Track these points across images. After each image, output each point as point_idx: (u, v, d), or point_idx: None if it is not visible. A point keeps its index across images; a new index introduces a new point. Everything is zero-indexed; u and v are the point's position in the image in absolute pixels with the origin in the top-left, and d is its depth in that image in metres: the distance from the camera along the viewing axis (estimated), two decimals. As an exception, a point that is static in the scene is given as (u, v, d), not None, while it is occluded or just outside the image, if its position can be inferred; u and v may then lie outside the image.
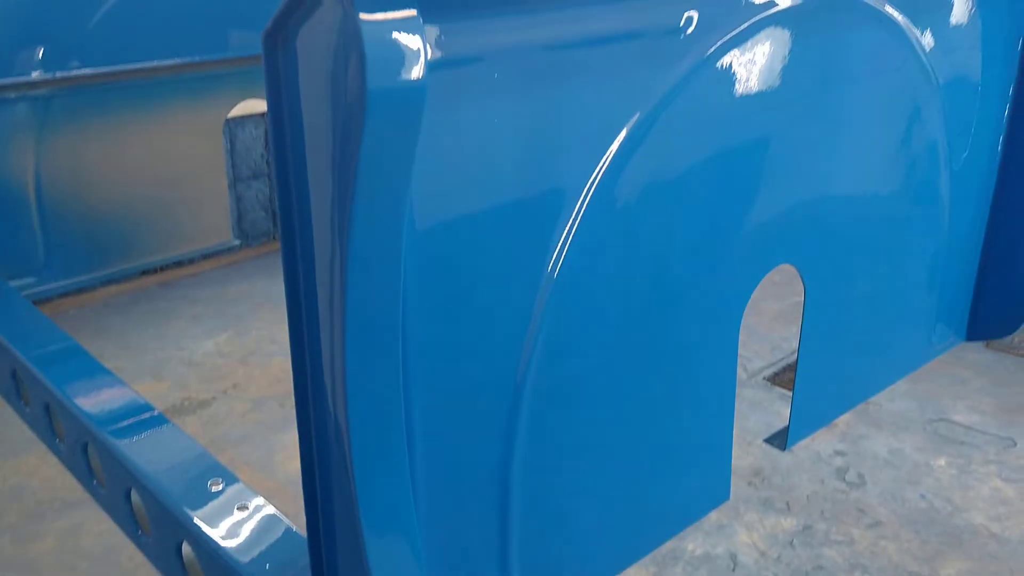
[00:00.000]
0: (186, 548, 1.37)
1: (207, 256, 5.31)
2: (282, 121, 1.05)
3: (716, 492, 1.59)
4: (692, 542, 3.42)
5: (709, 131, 1.37)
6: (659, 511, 1.54)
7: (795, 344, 4.99)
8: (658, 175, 1.30)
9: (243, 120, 5.39)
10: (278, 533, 1.31)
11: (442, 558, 1.10)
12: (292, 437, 4.01)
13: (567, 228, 1.21)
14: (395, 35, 0.90)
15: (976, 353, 4.75)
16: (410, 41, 0.91)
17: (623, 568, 1.49)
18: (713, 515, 3.56)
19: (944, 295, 2.04)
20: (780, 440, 1.80)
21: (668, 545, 3.39)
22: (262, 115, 5.47)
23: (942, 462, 3.90)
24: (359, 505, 0.98)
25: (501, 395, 1.19)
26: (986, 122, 1.77)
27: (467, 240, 1.12)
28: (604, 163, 1.22)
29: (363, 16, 0.88)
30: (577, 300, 1.26)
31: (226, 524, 1.33)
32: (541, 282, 1.20)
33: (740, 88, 1.33)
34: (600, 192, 1.22)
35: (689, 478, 1.58)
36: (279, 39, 1.03)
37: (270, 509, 1.39)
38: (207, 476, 1.43)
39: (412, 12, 0.91)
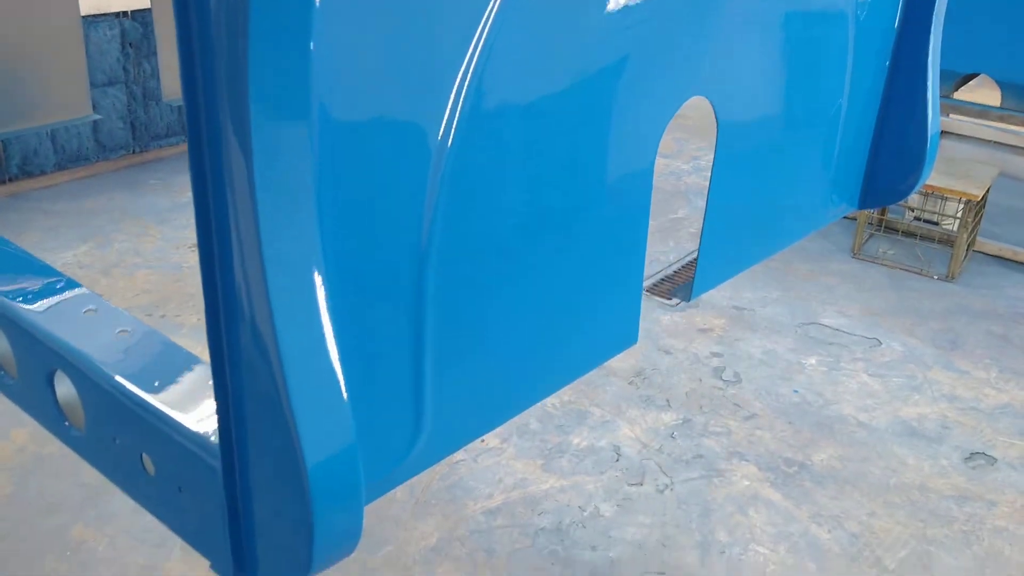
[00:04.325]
0: (61, 386, 1.23)
1: (63, 166, 4.95)
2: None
3: (625, 335, 1.55)
4: (577, 436, 3.44)
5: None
6: (570, 350, 1.49)
7: (671, 258, 5.04)
8: (553, 14, 1.22)
9: (96, 20, 5.00)
10: (172, 358, 1.18)
11: (358, 398, 1.02)
12: (162, 345, 3.79)
13: (455, 89, 1.12)
14: None
15: (842, 263, 4.95)
16: None
17: (534, 401, 1.45)
18: (596, 411, 3.60)
19: (841, 160, 2.06)
20: (685, 292, 1.78)
21: (553, 440, 3.40)
22: (117, 15, 5.09)
23: (813, 361, 4.05)
24: (277, 334, 0.88)
25: (411, 248, 1.11)
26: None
27: (361, 113, 1.03)
28: (489, 15, 1.12)
29: None
30: (475, 159, 1.18)
31: (105, 347, 1.20)
32: (432, 154, 1.11)
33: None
34: (488, 46, 1.13)
35: (600, 321, 1.54)
36: None
37: (155, 332, 1.25)
38: (80, 304, 1.29)
39: None
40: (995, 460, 3.43)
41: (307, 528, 0.94)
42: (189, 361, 1.17)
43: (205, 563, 3.03)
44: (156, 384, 1.11)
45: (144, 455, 1.12)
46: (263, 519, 1.01)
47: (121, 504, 3.04)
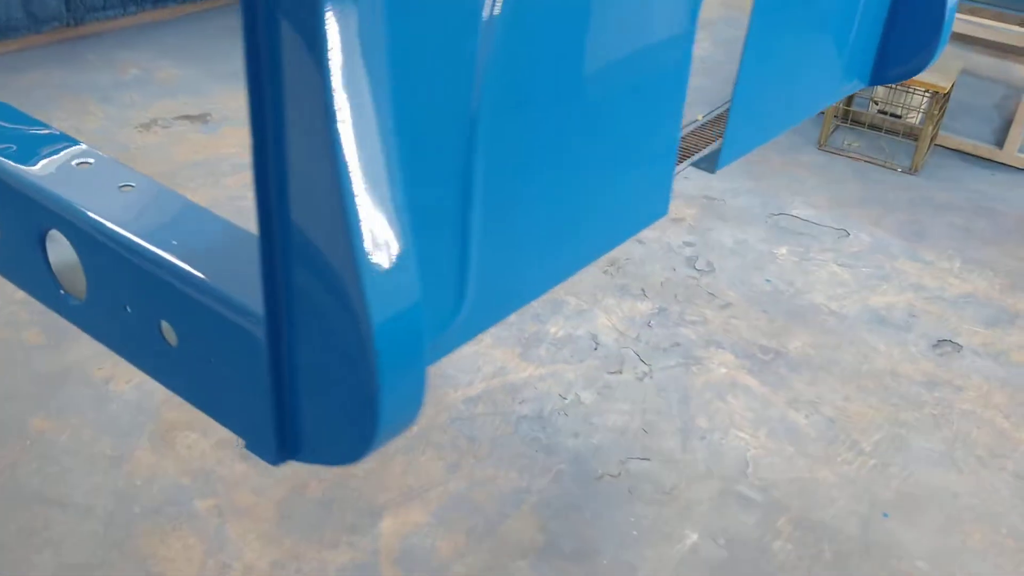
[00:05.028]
0: (55, 249, 1.08)
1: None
2: None
3: (657, 206, 1.47)
4: (554, 326, 3.38)
5: None
6: (605, 220, 1.41)
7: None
8: None
9: None
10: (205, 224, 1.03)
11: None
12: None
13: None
14: None
15: (810, 155, 4.90)
16: None
17: (570, 273, 1.37)
18: (572, 300, 3.53)
19: (859, 31, 1.96)
20: (709, 163, 1.69)
21: (531, 328, 3.34)
22: None
23: (784, 251, 4.03)
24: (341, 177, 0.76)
25: (461, 110, 1.00)
26: None
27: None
28: None
29: None
30: (518, 35, 1.07)
31: (110, 202, 1.05)
32: (479, 29, 1.00)
33: None
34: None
35: (635, 191, 1.46)
36: None
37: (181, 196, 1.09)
38: (72, 156, 1.12)
39: None
40: (960, 347, 3.48)
41: (370, 397, 0.84)
42: (208, 217, 1.04)
43: (176, 450, 2.92)
44: (175, 242, 0.97)
45: (163, 324, 1.00)
46: (314, 392, 0.90)
47: (83, 393, 2.90)
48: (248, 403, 0.95)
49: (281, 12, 0.76)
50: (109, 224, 1.01)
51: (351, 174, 0.78)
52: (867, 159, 4.88)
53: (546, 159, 1.20)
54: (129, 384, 2.95)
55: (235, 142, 4.45)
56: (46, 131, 1.22)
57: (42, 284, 1.15)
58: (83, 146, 1.18)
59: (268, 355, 0.89)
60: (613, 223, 1.42)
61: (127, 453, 2.72)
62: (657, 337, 3.39)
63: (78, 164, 1.13)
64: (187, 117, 4.62)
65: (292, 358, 0.90)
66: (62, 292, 1.13)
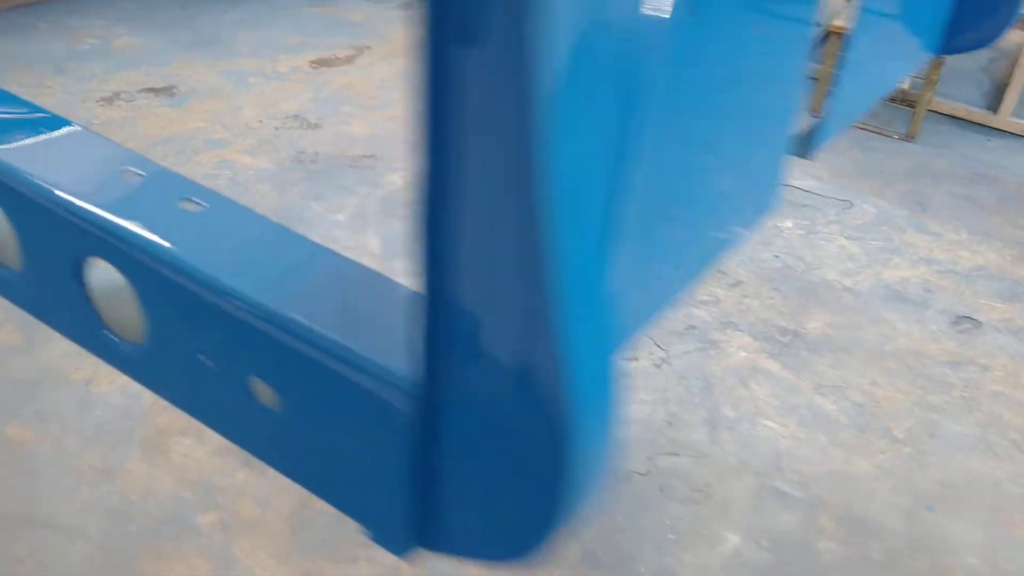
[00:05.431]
0: (96, 273, 0.86)
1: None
2: None
3: (771, 199, 1.31)
4: (564, 310, 3.19)
5: None
6: (723, 221, 1.24)
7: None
8: None
9: None
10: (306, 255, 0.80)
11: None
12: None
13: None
14: None
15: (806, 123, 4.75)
16: None
17: (693, 280, 1.19)
18: (581, 282, 3.35)
19: (929, 5, 1.80)
20: (802, 147, 1.51)
21: (541, 314, 3.15)
22: None
23: (789, 224, 3.89)
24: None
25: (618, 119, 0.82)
26: None
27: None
28: None
29: None
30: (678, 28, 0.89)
31: (176, 226, 0.82)
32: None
33: None
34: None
35: (751, 192, 1.29)
36: None
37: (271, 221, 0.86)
38: (114, 162, 0.90)
39: None
40: (980, 324, 3.37)
41: (553, 486, 0.65)
42: (315, 249, 0.82)
43: (171, 459, 2.66)
44: (281, 282, 0.76)
45: (254, 381, 0.79)
46: (474, 476, 0.71)
47: (63, 397, 2.65)
48: (375, 483, 0.75)
49: (482, 26, 0.54)
50: (184, 257, 0.79)
51: (554, 207, 0.58)
52: (863, 126, 4.75)
53: (685, 154, 1.01)
54: (112, 386, 2.71)
55: (205, 116, 4.15)
56: (73, 128, 0.99)
57: (77, 321, 0.93)
58: (122, 147, 0.96)
59: (418, 428, 0.69)
60: (732, 222, 1.24)
61: (117, 464, 2.48)
62: (671, 321, 3.22)
63: (124, 174, 0.90)
64: (151, 90, 4.30)
65: (449, 433, 0.70)
66: (106, 332, 0.91)
